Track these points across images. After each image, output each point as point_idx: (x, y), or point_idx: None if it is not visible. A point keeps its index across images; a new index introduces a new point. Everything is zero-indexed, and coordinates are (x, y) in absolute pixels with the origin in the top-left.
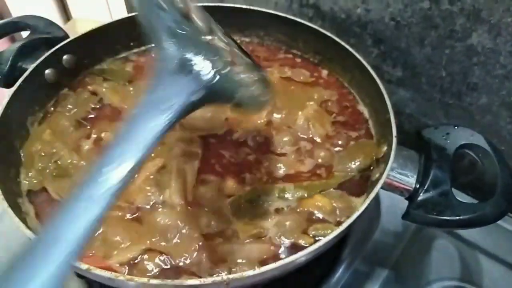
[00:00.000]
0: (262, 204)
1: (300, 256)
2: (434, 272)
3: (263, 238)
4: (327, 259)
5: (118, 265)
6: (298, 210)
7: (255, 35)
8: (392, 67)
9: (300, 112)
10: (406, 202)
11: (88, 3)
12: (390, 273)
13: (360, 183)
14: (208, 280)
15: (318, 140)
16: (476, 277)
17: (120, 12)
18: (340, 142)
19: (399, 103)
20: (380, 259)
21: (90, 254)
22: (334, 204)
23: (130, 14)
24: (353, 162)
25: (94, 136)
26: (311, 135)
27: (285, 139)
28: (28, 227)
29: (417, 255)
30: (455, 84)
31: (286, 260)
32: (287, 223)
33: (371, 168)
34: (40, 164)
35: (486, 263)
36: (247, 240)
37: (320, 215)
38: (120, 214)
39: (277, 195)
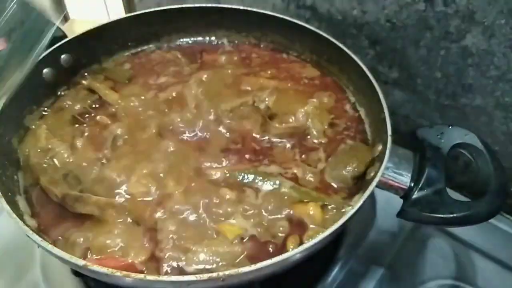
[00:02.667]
0: (252, 185)
1: (295, 253)
2: (429, 271)
3: (248, 238)
4: (322, 258)
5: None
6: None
7: (252, 36)
8: (388, 68)
9: (301, 109)
10: (401, 202)
11: (86, 4)
12: (386, 272)
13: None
14: (204, 276)
15: (316, 140)
16: (470, 275)
17: (117, 13)
18: (335, 143)
19: (395, 104)
20: (376, 258)
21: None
22: (326, 217)
23: (127, 15)
24: (346, 169)
25: (86, 134)
26: (308, 130)
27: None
28: (26, 224)
29: (412, 254)
30: (450, 85)
31: (282, 257)
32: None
33: (365, 175)
34: (35, 160)
35: (480, 262)
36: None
37: (309, 224)
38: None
39: (273, 185)
